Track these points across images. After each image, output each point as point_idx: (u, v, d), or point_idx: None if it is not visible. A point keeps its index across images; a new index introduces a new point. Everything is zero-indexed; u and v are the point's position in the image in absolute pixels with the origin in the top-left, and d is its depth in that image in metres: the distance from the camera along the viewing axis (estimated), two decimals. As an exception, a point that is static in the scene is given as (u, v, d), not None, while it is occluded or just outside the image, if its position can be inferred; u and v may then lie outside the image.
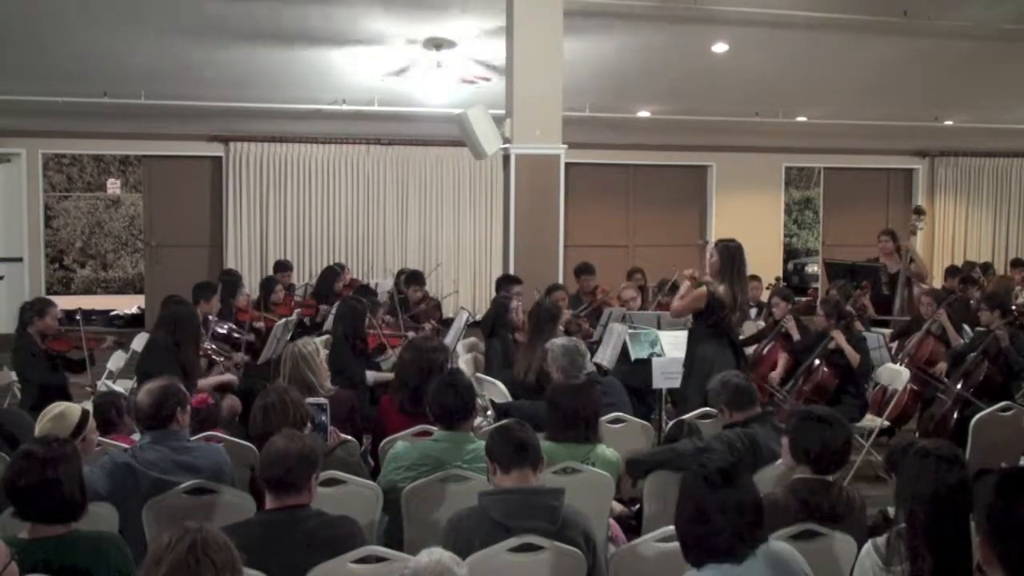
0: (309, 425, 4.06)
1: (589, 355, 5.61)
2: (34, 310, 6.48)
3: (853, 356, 6.50)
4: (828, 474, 3.53)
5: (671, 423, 5.07)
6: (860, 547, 3.13)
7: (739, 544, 2.73)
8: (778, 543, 2.89)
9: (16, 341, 6.51)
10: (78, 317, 7.58)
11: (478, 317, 9.21)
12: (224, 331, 7.41)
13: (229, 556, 2.41)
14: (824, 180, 15.45)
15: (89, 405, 4.23)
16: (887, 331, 7.91)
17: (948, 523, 2.79)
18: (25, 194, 12.40)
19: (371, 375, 6.35)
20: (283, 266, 10.15)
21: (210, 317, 7.25)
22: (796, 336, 7.29)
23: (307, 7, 9.54)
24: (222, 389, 6.17)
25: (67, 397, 6.13)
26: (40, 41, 9.77)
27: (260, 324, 8.14)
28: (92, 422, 3.94)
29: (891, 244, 9.08)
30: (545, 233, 8.47)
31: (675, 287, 8.32)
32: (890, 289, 8.93)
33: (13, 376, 6.69)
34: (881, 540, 2.92)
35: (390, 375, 5.97)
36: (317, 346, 5.08)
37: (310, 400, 4.22)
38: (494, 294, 8.21)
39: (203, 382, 6.03)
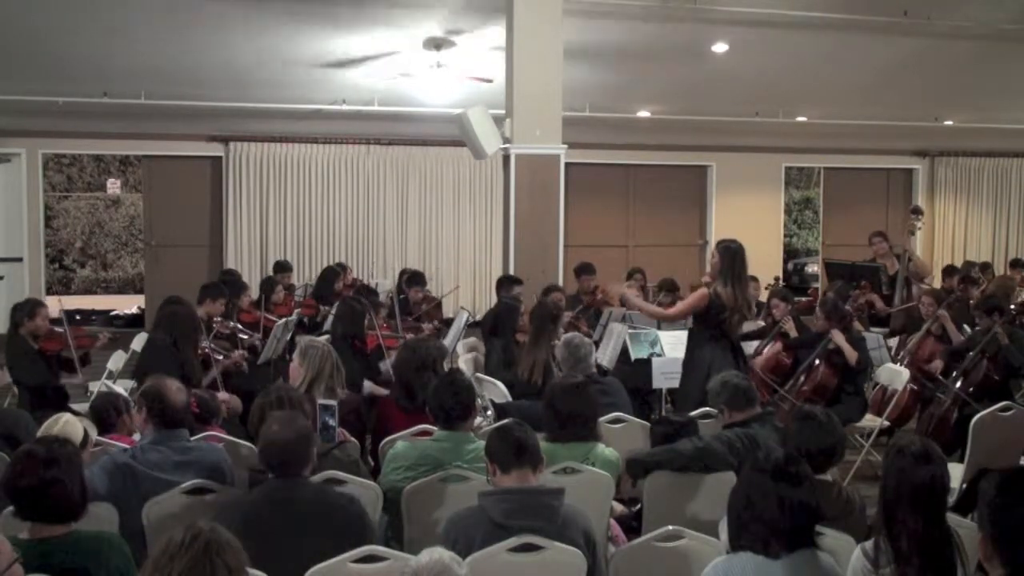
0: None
1: (594, 351, 5.60)
2: (24, 311, 6.45)
3: (851, 354, 6.48)
4: (819, 473, 3.49)
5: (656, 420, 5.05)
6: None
7: (777, 540, 2.71)
8: (825, 555, 2.82)
9: (8, 343, 6.48)
10: (76, 317, 7.54)
11: (478, 317, 9.20)
12: (228, 332, 7.38)
13: (240, 559, 2.42)
14: (824, 180, 15.46)
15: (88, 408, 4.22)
16: (886, 330, 7.90)
17: (923, 520, 2.79)
18: (25, 194, 12.41)
19: (367, 385, 6.18)
20: (282, 267, 10.13)
21: (215, 319, 7.22)
22: (795, 336, 7.28)
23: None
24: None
25: (65, 397, 6.13)
26: (40, 41, 9.76)
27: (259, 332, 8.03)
28: (92, 439, 3.95)
29: (885, 245, 9.05)
30: (545, 233, 8.46)
31: (673, 287, 8.34)
32: (890, 289, 8.92)
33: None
34: (869, 544, 2.91)
35: (385, 392, 5.84)
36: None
37: (321, 402, 4.21)
38: (494, 294, 8.18)
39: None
